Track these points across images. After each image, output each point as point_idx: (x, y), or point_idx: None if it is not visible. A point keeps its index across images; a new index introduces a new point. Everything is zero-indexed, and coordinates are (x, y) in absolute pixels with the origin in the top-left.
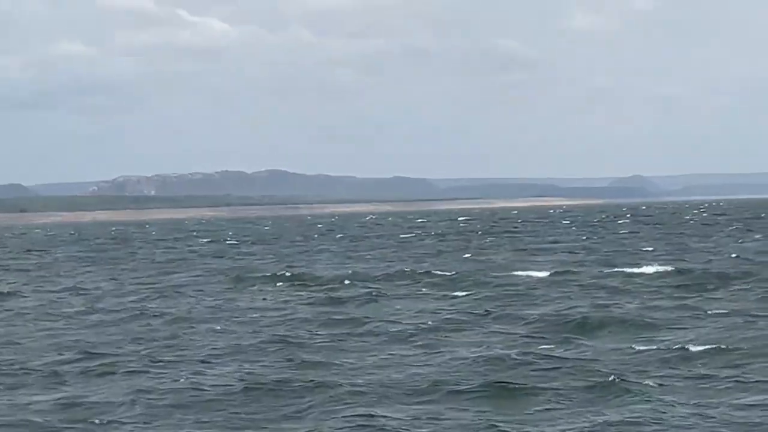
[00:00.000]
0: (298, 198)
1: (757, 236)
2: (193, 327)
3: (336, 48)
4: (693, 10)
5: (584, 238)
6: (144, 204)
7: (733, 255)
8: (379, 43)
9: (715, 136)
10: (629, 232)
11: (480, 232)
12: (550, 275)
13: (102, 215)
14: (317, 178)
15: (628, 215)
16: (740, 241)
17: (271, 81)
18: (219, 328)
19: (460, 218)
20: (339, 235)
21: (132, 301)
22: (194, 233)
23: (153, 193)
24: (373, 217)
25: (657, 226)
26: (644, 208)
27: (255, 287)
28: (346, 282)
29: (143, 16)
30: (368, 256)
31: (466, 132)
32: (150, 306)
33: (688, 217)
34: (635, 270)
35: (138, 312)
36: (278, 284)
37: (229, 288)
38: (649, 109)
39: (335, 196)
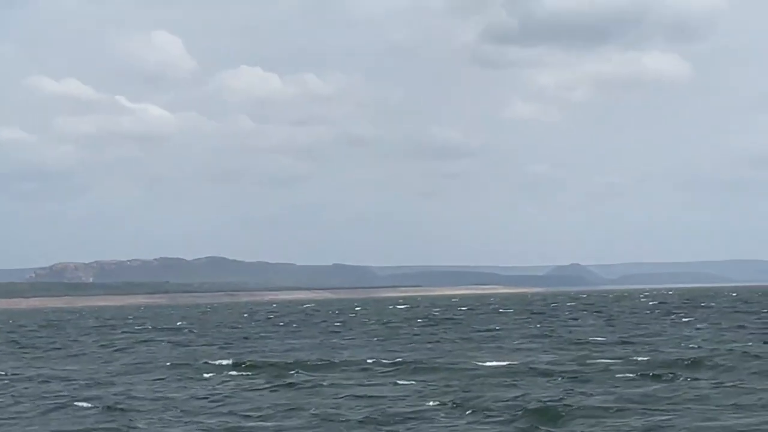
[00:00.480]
0: (237, 285)
1: (700, 325)
2: (130, 418)
3: (276, 135)
4: (628, 102)
5: (536, 325)
6: (82, 291)
7: (683, 344)
8: (319, 131)
9: (651, 226)
10: (579, 320)
11: (421, 319)
12: (506, 365)
13: (38, 302)
14: (257, 266)
15: (571, 303)
16: (690, 328)
17: (211, 168)
18: (155, 418)
19: (400, 306)
20: (281, 323)
21: (58, 391)
22: (130, 319)
23: (91, 280)
24: (312, 305)
25: (600, 314)
26: (585, 296)
27: (197, 375)
28: (291, 372)
29: (82, 102)
30: (312, 343)
31: (406, 220)
32: (81, 395)
33: (628, 305)
34: (593, 360)
35: (64, 402)
36: (223, 372)
37: (166, 376)
38: (587, 198)
39: (275, 284)
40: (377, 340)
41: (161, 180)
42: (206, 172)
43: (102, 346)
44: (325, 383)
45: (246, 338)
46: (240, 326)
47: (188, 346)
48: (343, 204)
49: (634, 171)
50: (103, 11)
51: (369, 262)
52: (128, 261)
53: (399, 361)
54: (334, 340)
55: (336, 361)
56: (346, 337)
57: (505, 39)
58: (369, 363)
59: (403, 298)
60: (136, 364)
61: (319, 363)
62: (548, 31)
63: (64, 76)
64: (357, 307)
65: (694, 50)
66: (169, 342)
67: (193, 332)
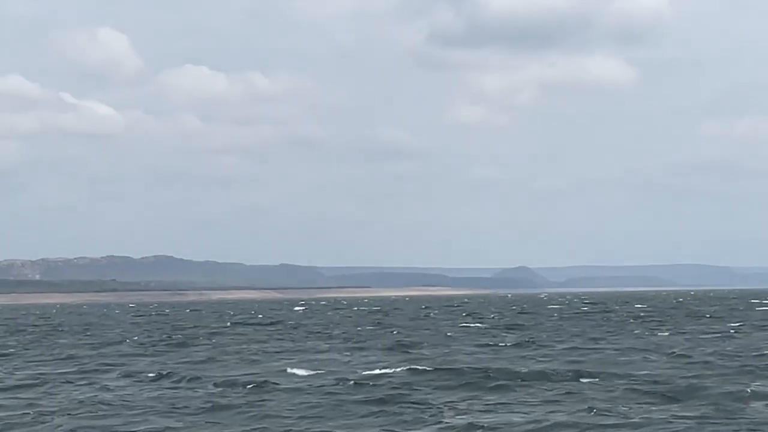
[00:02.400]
0: (185, 284)
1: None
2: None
3: (222, 135)
4: (573, 105)
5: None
6: (29, 288)
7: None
8: (266, 131)
9: (597, 230)
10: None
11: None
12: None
13: None
14: (205, 265)
15: (526, 305)
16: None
17: (158, 166)
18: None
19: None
20: (232, 321)
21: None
22: (57, 324)
23: (38, 277)
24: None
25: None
26: (545, 296)
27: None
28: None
29: (26, 98)
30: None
31: (354, 221)
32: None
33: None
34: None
35: None
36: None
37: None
38: (533, 201)
39: (223, 283)
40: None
41: (107, 178)
42: (153, 170)
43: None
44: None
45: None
46: (190, 327)
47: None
48: (291, 205)
49: (580, 175)
50: (47, 7)
51: (317, 263)
52: (75, 259)
53: None
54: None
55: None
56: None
57: (450, 41)
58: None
59: (347, 299)
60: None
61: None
62: (494, 34)
63: (8, 72)
64: (297, 307)
65: (638, 56)
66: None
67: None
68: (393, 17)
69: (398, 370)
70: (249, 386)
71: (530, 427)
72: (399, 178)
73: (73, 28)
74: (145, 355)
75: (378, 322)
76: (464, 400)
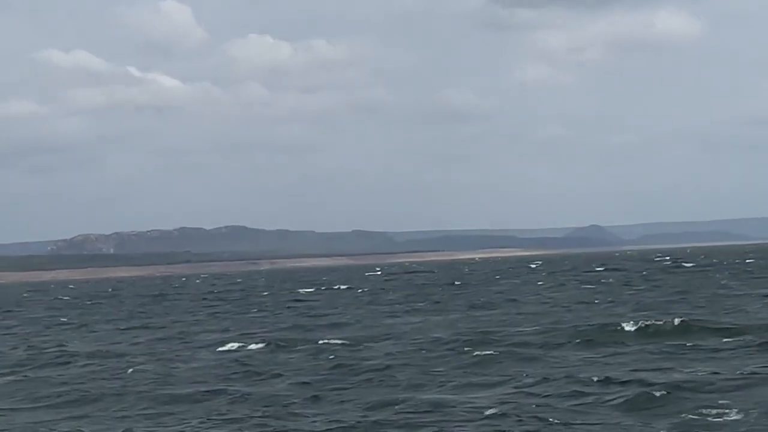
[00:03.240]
0: (257, 253)
1: None
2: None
3: (289, 103)
4: (640, 61)
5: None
6: (103, 262)
7: None
8: (332, 98)
9: (669, 186)
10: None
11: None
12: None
13: (60, 274)
14: (277, 233)
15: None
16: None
17: (226, 137)
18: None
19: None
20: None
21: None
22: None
23: (112, 251)
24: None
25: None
26: (617, 254)
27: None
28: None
29: (93, 74)
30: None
31: (423, 184)
32: None
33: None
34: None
35: None
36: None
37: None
38: (604, 159)
39: (295, 251)
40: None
41: (176, 150)
42: (222, 141)
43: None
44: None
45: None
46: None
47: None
48: (361, 170)
49: (648, 131)
50: None
51: (387, 228)
52: (148, 231)
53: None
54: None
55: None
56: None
57: (514, 1)
58: None
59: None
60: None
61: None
62: None
63: (74, 48)
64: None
65: (703, 9)
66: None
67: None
68: None
69: None
70: None
71: None
72: (466, 140)
73: (136, 2)
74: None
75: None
76: None
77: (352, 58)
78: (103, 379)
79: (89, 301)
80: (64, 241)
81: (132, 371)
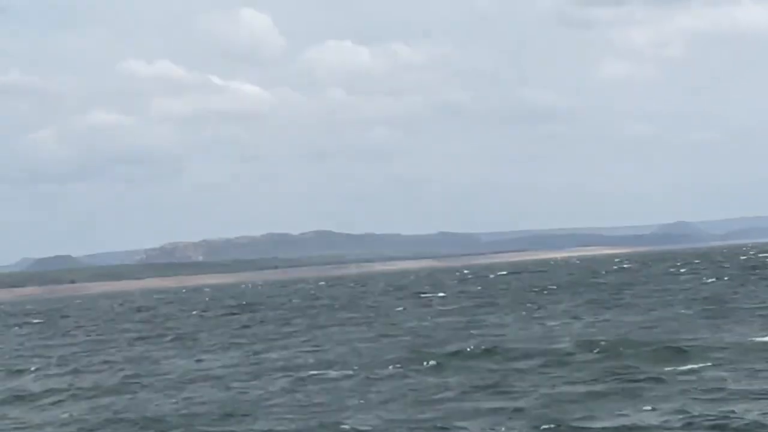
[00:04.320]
0: (344, 257)
1: None
2: None
3: (370, 107)
4: (722, 55)
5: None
6: (193, 270)
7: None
8: (413, 101)
9: (754, 180)
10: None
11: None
12: None
13: (152, 282)
14: (363, 237)
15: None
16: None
17: (309, 142)
18: None
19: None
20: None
21: None
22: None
23: (201, 258)
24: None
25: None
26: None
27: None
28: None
29: (176, 83)
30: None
31: (507, 184)
32: None
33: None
34: None
35: None
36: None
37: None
38: (689, 154)
39: (382, 254)
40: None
41: (260, 157)
42: (304, 147)
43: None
44: None
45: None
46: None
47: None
48: (444, 172)
49: (733, 126)
50: None
51: (473, 229)
52: (235, 238)
53: None
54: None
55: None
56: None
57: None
58: None
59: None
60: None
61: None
62: None
63: (157, 58)
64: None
65: None
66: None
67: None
68: None
69: None
70: None
71: None
72: (549, 139)
73: (216, 11)
74: None
75: None
76: None
77: (432, 61)
78: None
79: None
80: (154, 249)
81: None
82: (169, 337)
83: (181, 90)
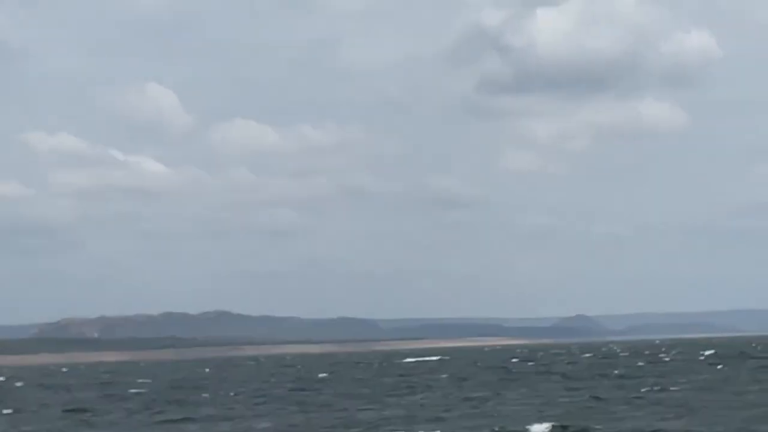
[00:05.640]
0: (243, 339)
1: None
2: None
3: (275, 188)
4: (627, 150)
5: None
6: (88, 347)
7: None
8: (318, 183)
9: (655, 276)
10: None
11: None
12: None
13: (45, 358)
14: (262, 319)
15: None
16: None
17: (212, 221)
18: None
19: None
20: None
21: None
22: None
23: (96, 335)
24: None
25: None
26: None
27: None
28: None
29: (77, 156)
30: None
31: (409, 271)
32: None
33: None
34: None
35: None
36: None
37: None
38: (590, 248)
39: (281, 337)
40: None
41: (161, 234)
42: (206, 225)
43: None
44: None
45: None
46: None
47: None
48: (347, 256)
49: (635, 220)
50: (95, 63)
51: (373, 315)
52: (133, 316)
53: None
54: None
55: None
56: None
57: (500, 88)
58: None
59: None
60: None
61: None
62: (544, 80)
63: (59, 131)
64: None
65: (689, 98)
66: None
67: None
68: (441, 65)
69: None
70: None
71: None
72: (453, 227)
73: (120, 85)
74: None
75: None
76: None
77: (338, 144)
78: None
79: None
80: (49, 324)
81: None
82: None
83: (82, 163)
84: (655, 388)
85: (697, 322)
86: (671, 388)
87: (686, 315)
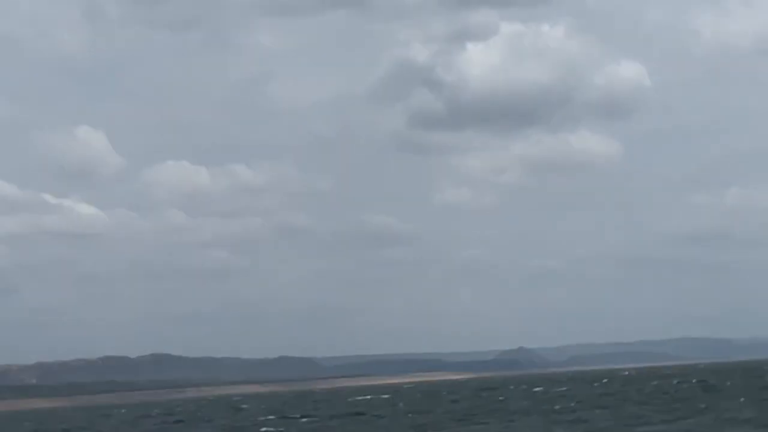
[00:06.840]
0: (183, 381)
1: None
2: None
3: (209, 229)
4: (560, 182)
5: None
6: (25, 394)
7: None
8: (252, 222)
9: (592, 308)
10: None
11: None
12: None
13: None
14: (202, 360)
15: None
16: None
17: (147, 263)
18: None
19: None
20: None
21: None
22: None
23: (34, 381)
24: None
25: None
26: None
27: None
28: None
29: (7, 201)
30: None
31: (348, 309)
32: None
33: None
34: None
35: None
36: None
37: None
38: (527, 281)
39: (222, 378)
40: None
41: (96, 278)
42: (141, 268)
43: None
44: None
45: None
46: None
47: None
48: (284, 295)
49: (572, 252)
50: (23, 108)
51: (314, 353)
52: (71, 361)
53: None
54: None
55: None
56: None
57: (432, 124)
58: None
59: (364, 387)
60: None
61: None
62: (475, 115)
63: None
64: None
65: (622, 129)
66: None
67: None
68: (372, 102)
69: None
70: None
71: None
72: (389, 263)
73: (50, 127)
74: None
75: None
76: None
77: (271, 183)
78: None
79: None
80: None
81: None
82: None
83: (12, 208)
84: None
85: (638, 350)
86: None
87: (626, 345)
